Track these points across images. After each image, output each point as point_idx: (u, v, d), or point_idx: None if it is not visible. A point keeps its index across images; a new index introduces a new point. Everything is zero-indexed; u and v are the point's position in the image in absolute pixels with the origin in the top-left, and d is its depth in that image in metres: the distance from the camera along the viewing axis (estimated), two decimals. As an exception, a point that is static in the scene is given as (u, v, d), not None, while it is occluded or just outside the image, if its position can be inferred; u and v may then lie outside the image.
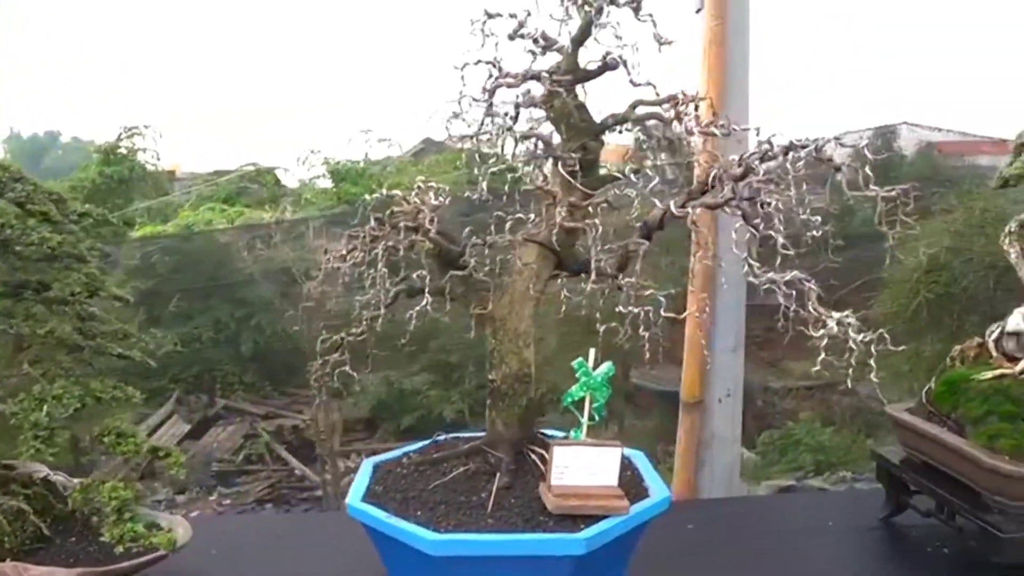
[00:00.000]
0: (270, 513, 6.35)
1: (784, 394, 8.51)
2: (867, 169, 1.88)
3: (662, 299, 1.89)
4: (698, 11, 2.91)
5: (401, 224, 1.71)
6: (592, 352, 1.72)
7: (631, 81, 1.91)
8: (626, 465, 1.85)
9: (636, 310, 1.85)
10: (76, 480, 1.97)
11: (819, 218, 1.92)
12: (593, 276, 1.67)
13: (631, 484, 1.76)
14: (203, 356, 7.90)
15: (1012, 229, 2.12)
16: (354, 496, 1.72)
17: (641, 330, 1.86)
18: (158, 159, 12.30)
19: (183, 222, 10.00)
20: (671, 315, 1.89)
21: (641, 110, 1.87)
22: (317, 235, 7.40)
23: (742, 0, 2.82)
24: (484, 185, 1.83)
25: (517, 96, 1.80)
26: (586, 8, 1.72)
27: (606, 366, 1.71)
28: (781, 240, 1.82)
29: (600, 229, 1.81)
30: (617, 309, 1.87)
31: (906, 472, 2.12)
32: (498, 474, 1.69)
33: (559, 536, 1.53)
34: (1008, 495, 1.78)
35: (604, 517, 1.58)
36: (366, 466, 1.88)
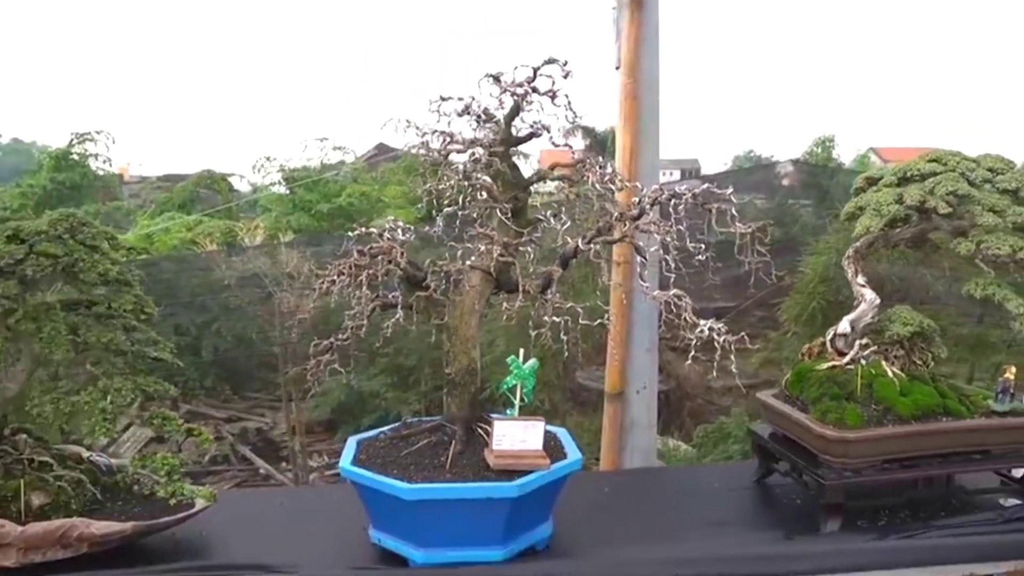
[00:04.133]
0: (272, 488, 6.64)
1: (723, 392, 9.26)
2: (733, 209, 2.53)
3: (580, 311, 2.52)
4: (617, 68, 3.53)
5: (380, 257, 2.28)
6: (521, 351, 2.30)
7: (553, 143, 2.54)
8: (553, 438, 2.45)
9: (558, 319, 2.48)
10: (114, 460, 2.49)
11: (703, 245, 2.58)
12: (520, 295, 2.27)
13: (554, 450, 2.36)
14: (163, 363, 8.24)
15: (850, 254, 2.77)
16: (344, 461, 2.28)
17: (562, 335, 2.48)
18: (109, 164, 12.39)
19: (142, 231, 10.24)
20: (586, 322, 2.52)
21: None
22: (288, 247, 7.82)
23: (653, 58, 3.44)
24: (440, 223, 2.44)
25: (465, 160, 2.40)
26: (514, 96, 2.32)
27: (532, 361, 2.30)
28: (671, 262, 2.47)
29: (532, 255, 2.45)
30: (550, 319, 2.50)
31: (771, 443, 2.75)
32: (453, 443, 2.26)
33: (499, 484, 2.12)
34: (831, 454, 2.43)
35: (531, 472, 2.17)
36: (351, 443, 2.43)
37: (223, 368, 8.54)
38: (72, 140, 10.82)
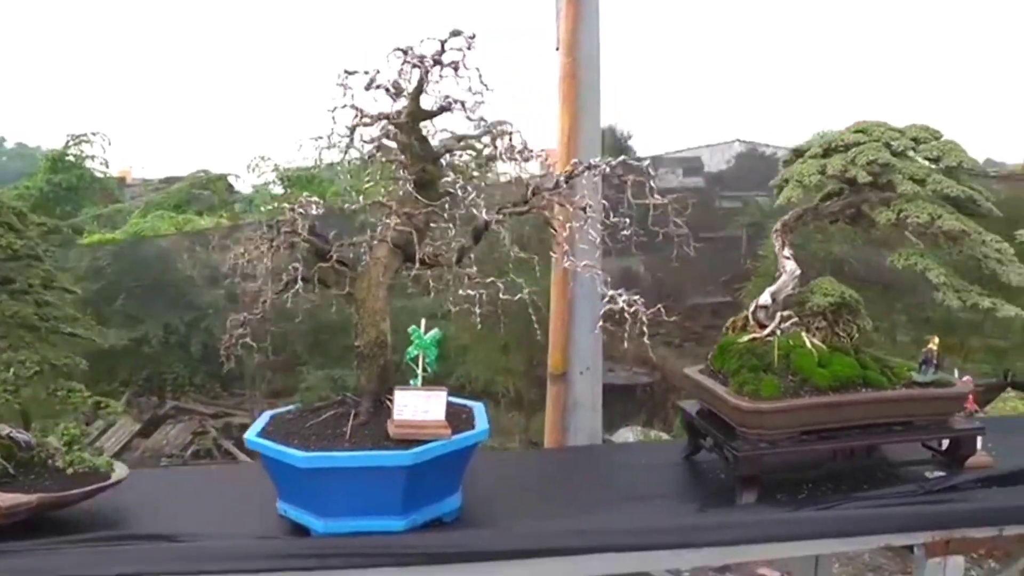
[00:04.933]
0: (200, 466, 6.66)
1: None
2: (652, 182, 2.52)
3: (500, 285, 2.51)
4: (557, 49, 3.52)
5: (283, 229, 2.28)
6: (423, 321, 2.30)
7: (468, 118, 2.53)
8: (466, 411, 2.44)
9: (472, 293, 2.47)
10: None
11: (628, 219, 2.57)
12: (417, 267, 2.27)
13: (463, 423, 2.34)
14: (154, 359, 8.33)
15: (777, 227, 2.74)
16: (251, 433, 2.28)
17: (476, 308, 2.48)
18: (107, 166, 12.42)
19: (132, 229, 10.32)
20: (506, 297, 2.51)
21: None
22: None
23: (593, 38, 3.42)
24: (361, 199, 2.44)
25: (375, 134, 2.39)
26: (419, 68, 2.31)
27: (434, 331, 2.29)
28: (595, 235, 2.48)
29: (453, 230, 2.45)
30: (464, 292, 2.50)
31: (697, 419, 2.73)
32: (354, 413, 2.26)
33: (393, 453, 2.11)
34: (746, 425, 2.40)
35: (431, 441, 2.16)
36: (264, 416, 2.43)
37: (212, 365, 8.59)
38: (68, 142, 10.91)
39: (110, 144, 10.79)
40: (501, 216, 2.39)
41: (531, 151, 2.44)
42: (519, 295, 2.51)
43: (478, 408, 2.49)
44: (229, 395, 8.80)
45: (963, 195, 2.43)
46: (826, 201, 2.77)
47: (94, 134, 10.81)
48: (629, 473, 2.74)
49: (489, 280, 2.49)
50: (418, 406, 2.23)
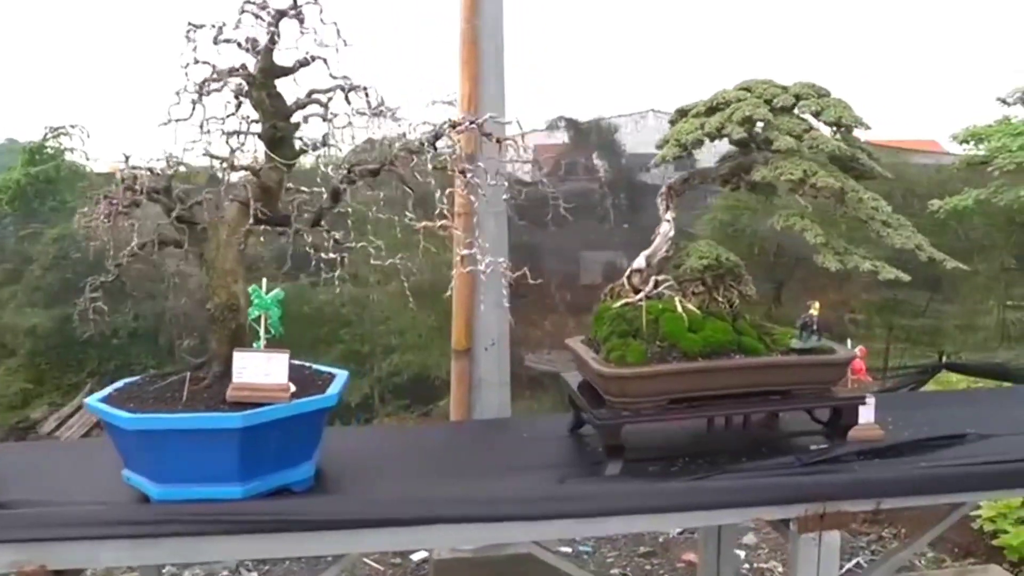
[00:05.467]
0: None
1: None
2: (521, 145, 2.44)
3: (373, 250, 2.43)
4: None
5: (123, 188, 2.21)
6: (264, 281, 2.21)
7: (330, 75, 2.44)
8: (325, 378, 2.35)
9: (334, 256, 2.39)
10: None
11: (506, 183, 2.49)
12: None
13: (316, 388, 2.26)
14: (122, 350, 8.29)
15: (663, 191, 2.64)
16: (92, 398, 2.20)
17: (337, 272, 2.39)
18: (86, 158, 12.31)
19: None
20: (378, 262, 2.43)
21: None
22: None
23: (496, 2, 3.33)
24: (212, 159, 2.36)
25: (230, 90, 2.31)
26: (266, 22, 2.23)
27: (276, 291, 2.21)
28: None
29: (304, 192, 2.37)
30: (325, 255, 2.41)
31: (575, 391, 2.61)
32: (189, 376, 2.18)
33: (222, 415, 2.02)
34: (610, 393, 2.30)
35: (268, 404, 2.08)
36: (119, 383, 2.36)
37: (180, 352, 8.55)
38: (46, 134, 10.85)
39: (88, 136, 10.72)
40: (354, 176, 2.31)
41: (389, 109, 2.36)
42: (389, 261, 2.43)
43: (340, 376, 2.40)
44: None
45: (839, 151, 2.32)
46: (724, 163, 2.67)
47: (72, 126, 10.74)
48: (506, 446, 2.65)
49: (360, 245, 2.42)
50: (258, 368, 2.15)
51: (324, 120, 2.27)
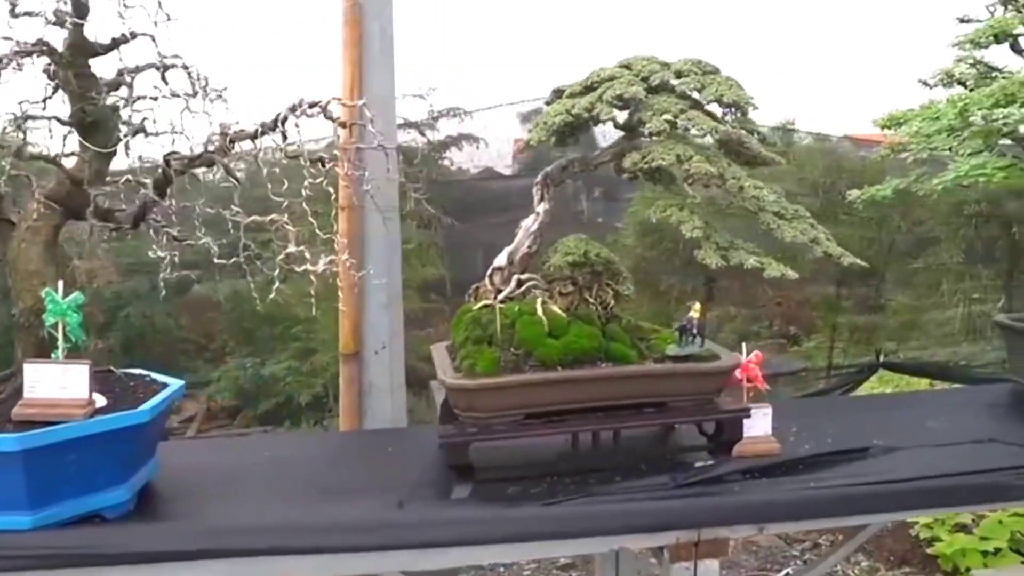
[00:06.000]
0: None
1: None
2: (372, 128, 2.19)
3: (215, 248, 2.18)
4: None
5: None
6: (61, 283, 1.96)
7: (159, 54, 2.19)
8: (155, 389, 2.11)
9: (164, 255, 2.15)
10: None
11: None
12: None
13: (133, 402, 2.01)
14: (73, 351, 8.04)
15: (539, 179, 2.39)
16: None
17: (167, 272, 2.15)
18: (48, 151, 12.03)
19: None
20: (221, 261, 2.18)
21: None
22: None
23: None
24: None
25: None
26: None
27: (74, 295, 1.96)
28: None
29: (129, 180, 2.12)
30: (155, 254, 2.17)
31: (442, 403, 2.37)
32: (-18, 390, 1.93)
33: (-4, 437, 1.78)
34: (459, 407, 2.06)
35: (60, 423, 1.83)
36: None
37: (134, 355, 8.31)
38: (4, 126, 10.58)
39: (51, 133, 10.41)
40: (178, 165, 2.06)
41: (215, 90, 2.10)
42: (234, 258, 2.19)
43: (172, 387, 2.16)
44: (152, 386, 8.51)
45: (718, 133, 2.07)
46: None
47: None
48: (362, 462, 2.41)
49: (187, 242, 2.19)
50: (54, 382, 1.90)
51: (127, 103, 2.03)
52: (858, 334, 4.17)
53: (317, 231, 2.24)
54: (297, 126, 2.20)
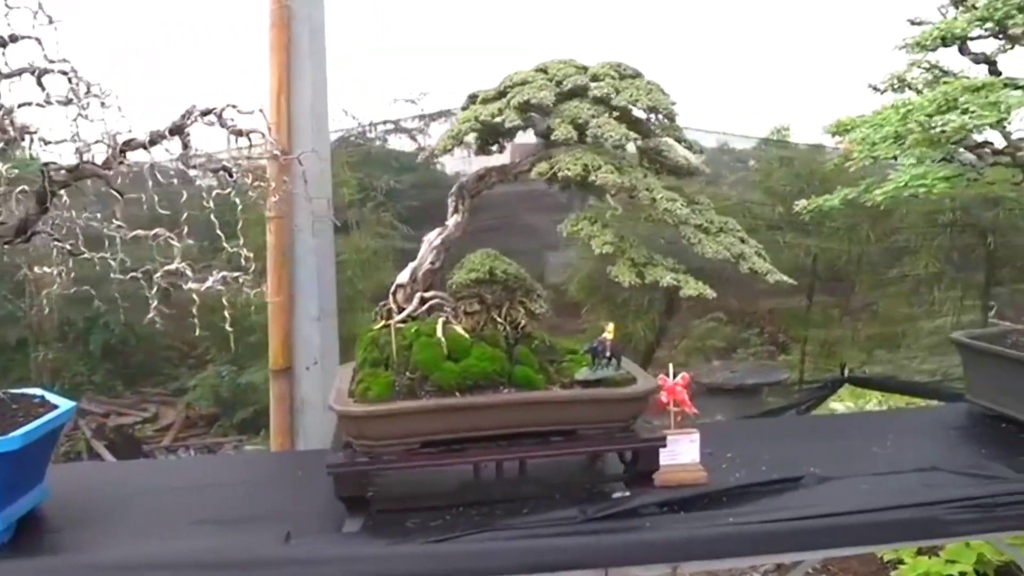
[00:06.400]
0: None
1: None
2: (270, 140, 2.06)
3: (113, 263, 2.07)
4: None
5: None
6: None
7: (45, 57, 2.07)
8: (40, 410, 2.00)
9: (47, 270, 2.04)
10: None
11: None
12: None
13: (11, 427, 1.89)
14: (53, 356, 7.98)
15: (454, 190, 2.26)
16: None
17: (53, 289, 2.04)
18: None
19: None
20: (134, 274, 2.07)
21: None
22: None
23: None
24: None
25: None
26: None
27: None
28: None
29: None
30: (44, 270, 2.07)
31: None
32: None
33: None
34: (350, 433, 1.94)
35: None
36: None
37: (114, 362, 8.22)
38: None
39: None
40: (58, 176, 1.95)
41: (97, 96, 1.98)
42: (131, 275, 2.07)
43: (56, 411, 2.04)
44: (133, 393, 8.42)
45: (626, 140, 1.94)
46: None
47: None
48: (264, 487, 2.27)
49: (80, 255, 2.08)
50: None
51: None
52: (828, 347, 4.01)
53: (225, 245, 2.15)
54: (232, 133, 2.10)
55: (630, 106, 2.00)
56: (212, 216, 2.12)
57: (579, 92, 2.04)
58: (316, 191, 2.90)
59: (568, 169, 1.89)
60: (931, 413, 2.93)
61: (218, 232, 2.12)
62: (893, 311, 4.10)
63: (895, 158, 2.32)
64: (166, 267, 1.89)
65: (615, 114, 2.06)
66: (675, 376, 2.20)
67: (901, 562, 3.35)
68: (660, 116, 2.15)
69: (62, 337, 8.19)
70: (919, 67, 2.62)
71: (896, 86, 2.60)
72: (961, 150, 2.41)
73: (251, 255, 2.18)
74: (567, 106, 1.99)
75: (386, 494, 2.01)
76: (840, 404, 6.00)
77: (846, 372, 4.04)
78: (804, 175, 4.04)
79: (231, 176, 2.11)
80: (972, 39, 2.55)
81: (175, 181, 2.16)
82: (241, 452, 2.98)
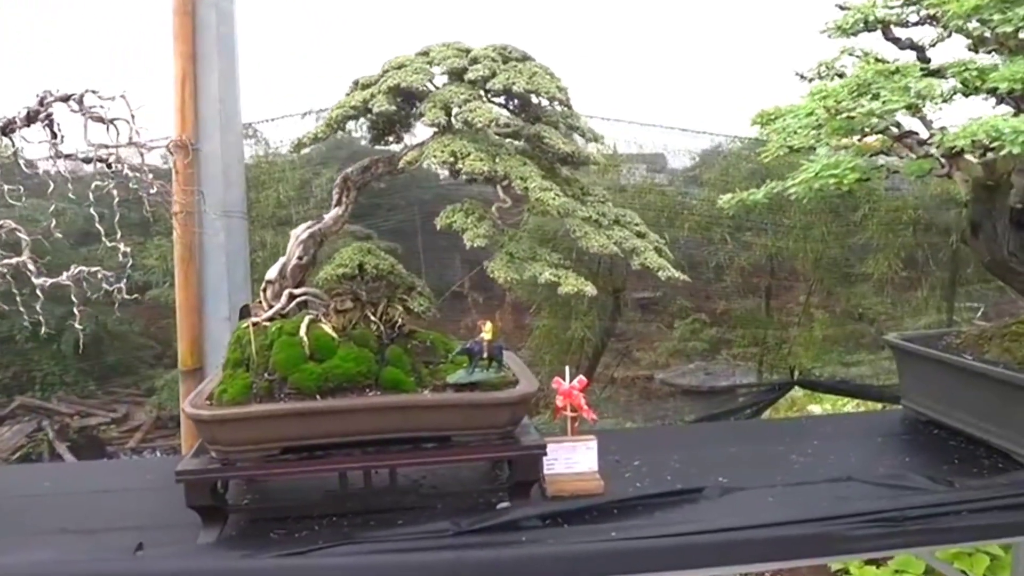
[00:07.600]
0: None
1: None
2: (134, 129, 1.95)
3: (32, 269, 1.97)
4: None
5: None
6: None
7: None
8: None
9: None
10: None
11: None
12: None
13: None
14: (23, 355, 7.90)
15: (338, 182, 2.13)
16: None
17: None
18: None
19: None
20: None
21: None
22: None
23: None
24: None
25: None
26: None
27: None
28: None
29: None
30: None
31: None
32: None
33: None
34: (203, 437, 1.82)
35: None
36: None
37: (86, 361, 8.12)
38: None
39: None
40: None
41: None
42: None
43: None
44: (105, 393, 8.34)
45: (501, 127, 1.81)
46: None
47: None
48: (145, 493, 2.14)
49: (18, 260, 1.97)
50: None
51: None
52: (785, 347, 3.86)
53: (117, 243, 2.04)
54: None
55: (503, 90, 1.86)
56: (92, 210, 2.03)
57: (457, 75, 1.91)
58: (226, 185, 2.79)
59: (434, 156, 1.77)
60: (865, 418, 2.79)
61: (97, 226, 2.02)
62: (854, 311, 3.95)
63: (813, 148, 2.18)
64: (5, 260, 1.77)
65: (516, 101, 1.95)
66: (572, 379, 2.08)
67: (847, 572, 3.20)
68: (555, 103, 2.02)
69: (33, 335, 8.13)
70: (850, 54, 2.48)
71: (824, 74, 2.46)
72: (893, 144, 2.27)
73: (128, 250, 2.07)
74: (442, 91, 1.86)
75: (251, 504, 1.89)
76: (818, 407, 5.85)
77: (795, 375, 3.89)
78: (760, 172, 3.90)
79: (109, 168, 2.01)
80: (904, 25, 2.42)
81: (41, 172, 2.06)
82: (150, 457, 2.86)
